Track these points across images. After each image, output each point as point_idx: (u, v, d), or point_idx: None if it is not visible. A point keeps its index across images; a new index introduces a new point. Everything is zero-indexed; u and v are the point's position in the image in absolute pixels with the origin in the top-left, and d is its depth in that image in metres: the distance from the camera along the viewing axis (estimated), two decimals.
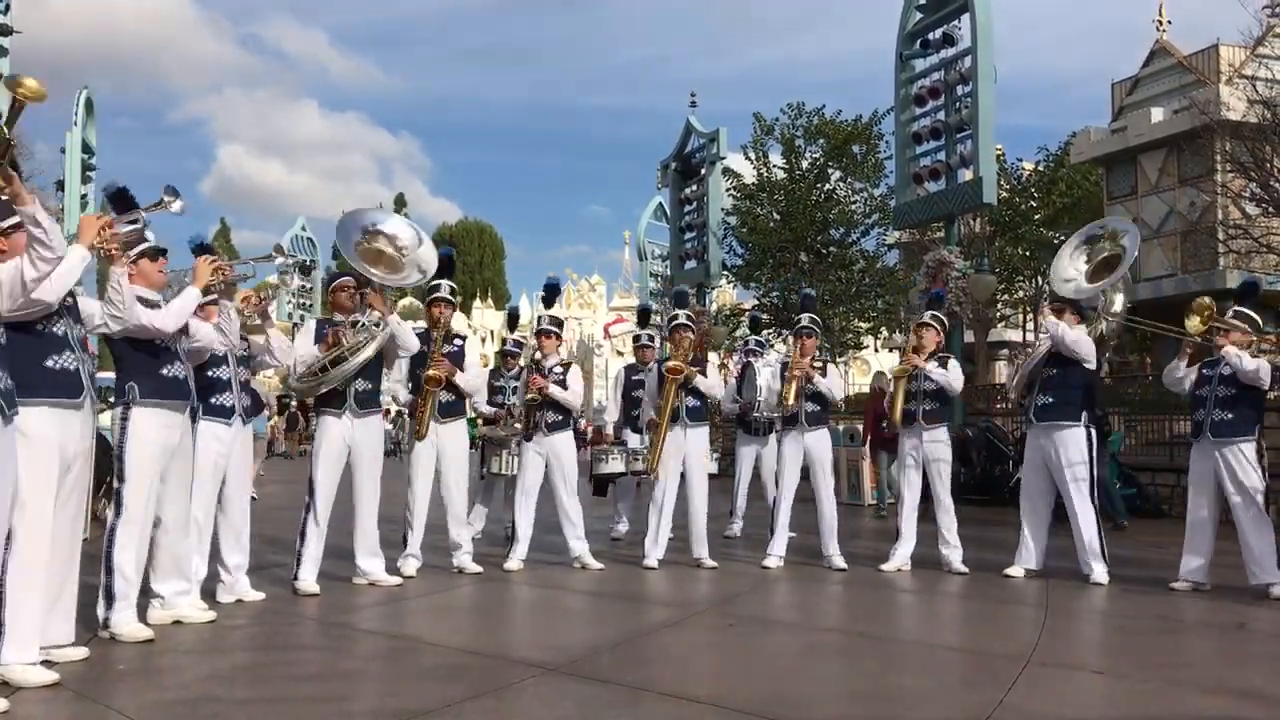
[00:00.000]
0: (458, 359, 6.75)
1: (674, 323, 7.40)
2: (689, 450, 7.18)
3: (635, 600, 6.11)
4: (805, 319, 7.50)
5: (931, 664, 4.55)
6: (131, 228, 4.70)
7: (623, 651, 4.62)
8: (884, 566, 6.99)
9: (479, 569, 6.70)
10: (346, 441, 6.05)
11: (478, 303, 53.60)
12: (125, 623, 4.55)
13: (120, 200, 4.75)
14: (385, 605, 5.69)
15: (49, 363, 4.00)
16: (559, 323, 7.41)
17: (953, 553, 6.97)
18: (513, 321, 9.92)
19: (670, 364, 7.07)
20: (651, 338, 8.97)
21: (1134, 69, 20.78)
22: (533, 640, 4.92)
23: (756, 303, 22.84)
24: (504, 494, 8.60)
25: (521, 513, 7.03)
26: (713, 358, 17.95)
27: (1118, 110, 20.73)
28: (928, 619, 5.90)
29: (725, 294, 31.49)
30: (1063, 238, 18.74)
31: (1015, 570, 6.70)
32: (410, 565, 6.52)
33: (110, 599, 4.55)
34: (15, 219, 3.78)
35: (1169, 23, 19.92)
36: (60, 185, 22.76)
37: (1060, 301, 6.77)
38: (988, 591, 6.32)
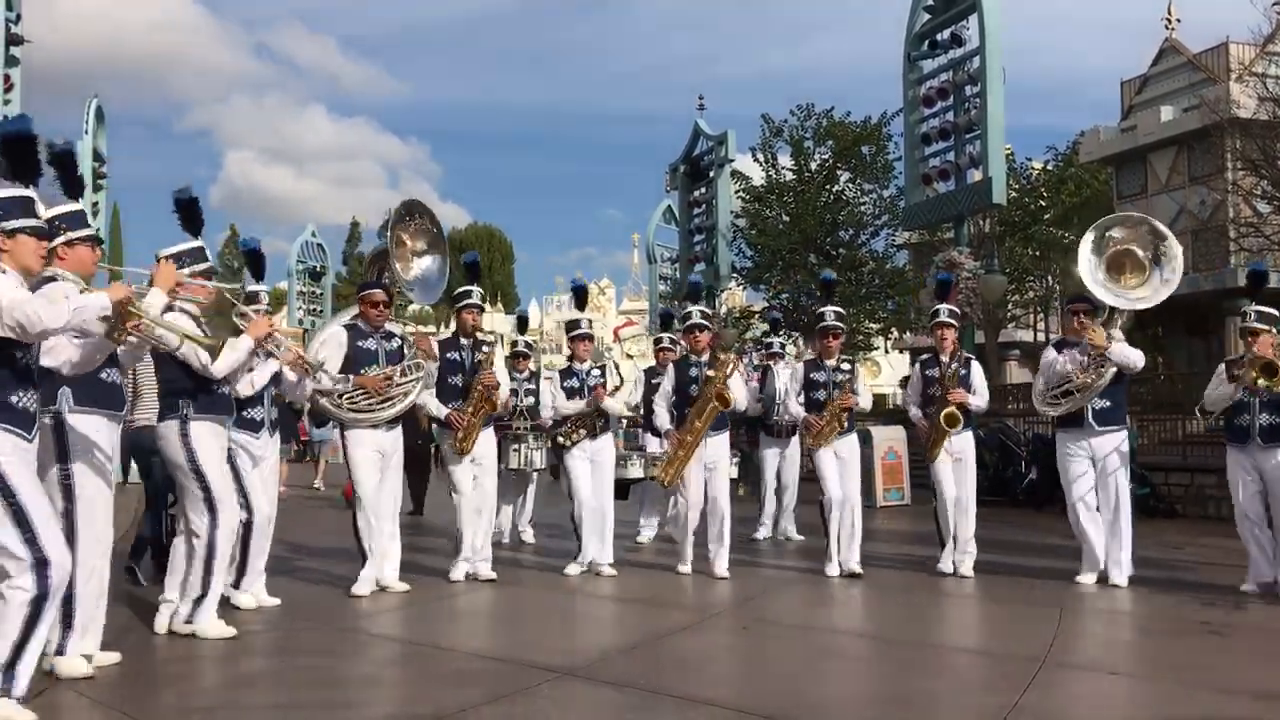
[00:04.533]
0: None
1: (689, 321, 7.33)
2: (710, 458, 7.06)
3: (652, 604, 6.10)
4: (830, 314, 7.17)
5: (948, 667, 4.56)
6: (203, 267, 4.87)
7: (640, 655, 4.63)
8: (941, 567, 6.88)
9: (493, 575, 6.67)
10: (379, 448, 6.11)
11: (487, 307, 53.80)
12: (210, 620, 4.79)
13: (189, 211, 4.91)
14: (402, 610, 5.70)
15: (103, 375, 4.10)
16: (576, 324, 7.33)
17: (965, 557, 6.90)
18: (522, 325, 9.99)
19: (720, 390, 6.64)
20: (673, 341, 8.93)
21: (1143, 68, 20.76)
22: (549, 644, 4.92)
23: (768, 305, 22.82)
24: (529, 494, 8.58)
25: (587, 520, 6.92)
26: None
27: (1127, 109, 20.69)
28: (944, 622, 5.89)
29: (735, 296, 31.45)
30: (1072, 237, 18.77)
31: (1087, 577, 6.49)
32: (460, 570, 6.51)
33: (201, 598, 4.77)
34: (19, 222, 3.63)
35: (1178, 21, 19.90)
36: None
37: (1085, 303, 6.58)
38: (1004, 594, 6.30)
